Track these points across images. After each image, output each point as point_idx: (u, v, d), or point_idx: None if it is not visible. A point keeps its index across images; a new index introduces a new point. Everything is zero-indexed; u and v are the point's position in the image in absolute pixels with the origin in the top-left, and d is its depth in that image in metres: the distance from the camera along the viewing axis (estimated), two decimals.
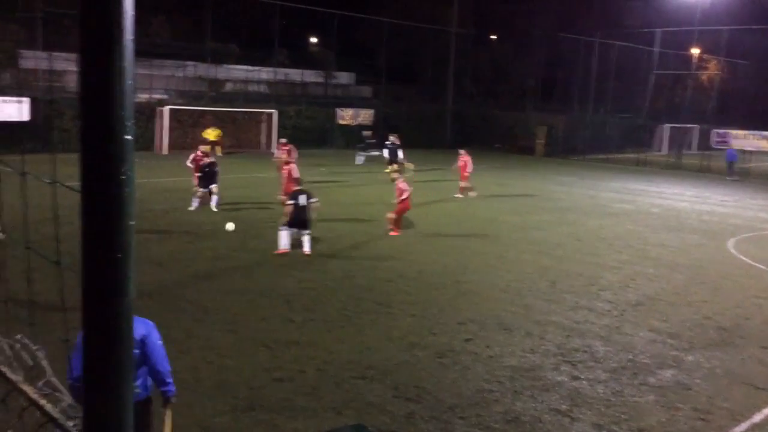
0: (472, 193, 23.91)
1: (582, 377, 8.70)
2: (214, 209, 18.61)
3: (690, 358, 9.57)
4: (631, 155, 44.56)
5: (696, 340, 10.33)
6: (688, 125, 51.46)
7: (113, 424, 1.55)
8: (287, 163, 19.56)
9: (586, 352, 9.61)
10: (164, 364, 5.14)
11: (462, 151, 24.77)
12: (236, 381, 8.03)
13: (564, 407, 7.81)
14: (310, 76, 47.74)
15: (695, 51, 57.59)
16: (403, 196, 17.00)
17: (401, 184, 17.24)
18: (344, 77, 50.01)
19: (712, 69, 63.08)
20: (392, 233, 16.84)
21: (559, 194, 26.55)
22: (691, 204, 25.76)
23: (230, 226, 15.85)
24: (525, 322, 10.71)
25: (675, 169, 40.75)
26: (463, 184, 24.15)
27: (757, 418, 7.77)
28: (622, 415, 7.68)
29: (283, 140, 26.18)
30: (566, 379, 8.61)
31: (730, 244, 18.06)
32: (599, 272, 14.19)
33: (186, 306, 10.70)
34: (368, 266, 13.83)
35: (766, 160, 44.43)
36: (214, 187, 18.86)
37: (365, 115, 43.25)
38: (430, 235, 17.36)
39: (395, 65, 49.42)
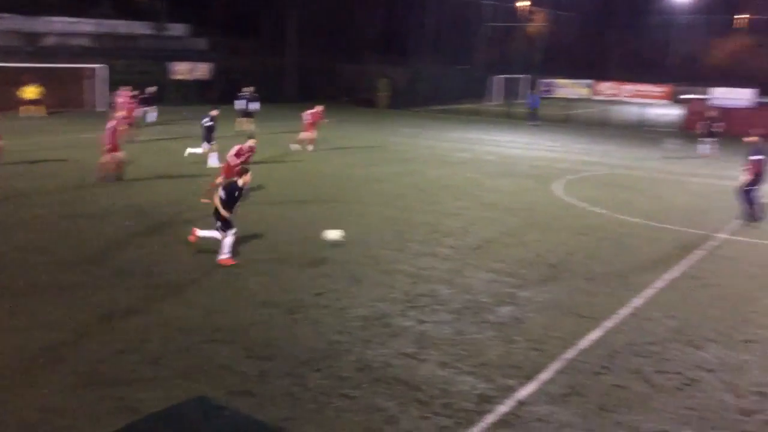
0: (309, 147, 23.97)
1: (428, 320, 9.08)
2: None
3: (524, 294, 10.27)
4: (469, 105, 46.41)
5: (529, 277, 11.09)
6: (519, 75, 54.24)
7: None
8: (125, 117, 18.14)
9: (431, 296, 10.01)
10: None
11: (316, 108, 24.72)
12: (74, 356, 7.57)
13: (412, 350, 8.12)
14: (140, 27, 44.74)
15: (524, 3, 60.49)
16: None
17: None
18: (178, 29, 47.32)
19: (539, 21, 66.71)
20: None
21: (402, 146, 27.15)
22: (523, 151, 27.36)
23: (334, 234, 12.00)
24: (373, 273, 10.95)
25: (507, 117, 42.96)
26: (310, 135, 24.09)
27: (584, 343, 8.52)
28: (465, 352, 8.12)
29: (127, 90, 24.89)
30: (413, 324, 8.94)
31: (558, 186, 19.44)
32: (441, 219, 14.76)
33: (12, 281, 9.86)
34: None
35: (588, 106, 48.02)
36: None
37: (202, 69, 41.47)
38: (278, 192, 17.14)
39: (233, 16, 47.53)
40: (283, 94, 45.98)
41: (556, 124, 39.44)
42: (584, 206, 16.77)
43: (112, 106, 23.71)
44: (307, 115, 24.19)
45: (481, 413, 6.77)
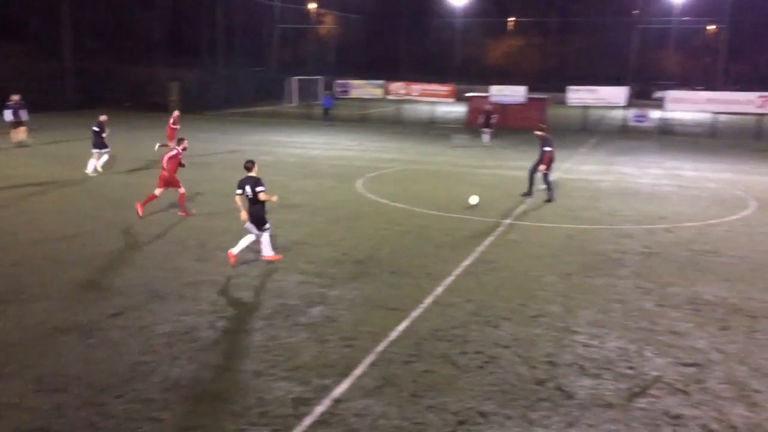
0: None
1: (239, 329, 8.85)
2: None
3: (334, 292, 10.38)
4: (267, 108, 46.10)
5: (338, 275, 11.23)
6: (314, 77, 54.86)
7: None
8: None
9: (240, 304, 9.78)
10: None
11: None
12: None
13: (223, 362, 7.86)
14: None
15: (312, 6, 61.26)
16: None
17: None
18: None
19: (329, 23, 68.00)
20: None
21: (199, 151, 26.22)
22: (323, 151, 27.72)
23: (474, 200, 16.74)
24: (176, 286, 10.46)
25: (305, 119, 43.32)
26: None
27: (393, 335, 8.80)
28: (279, 358, 8.03)
29: None
30: (223, 335, 8.66)
31: (359, 184, 19.95)
32: None
33: None
34: None
35: (382, 106, 49.83)
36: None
37: None
38: (56, 207, 15.77)
39: None
40: (62, 101, 42.44)
41: (353, 123, 40.46)
42: (385, 202, 17.36)
43: None
44: (170, 121, 24.38)
45: (299, 417, 6.72)
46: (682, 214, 16.74)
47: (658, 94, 49.60)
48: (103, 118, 20.33)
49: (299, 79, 54.13)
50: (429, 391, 7.33)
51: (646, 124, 39.80)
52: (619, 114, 41.05)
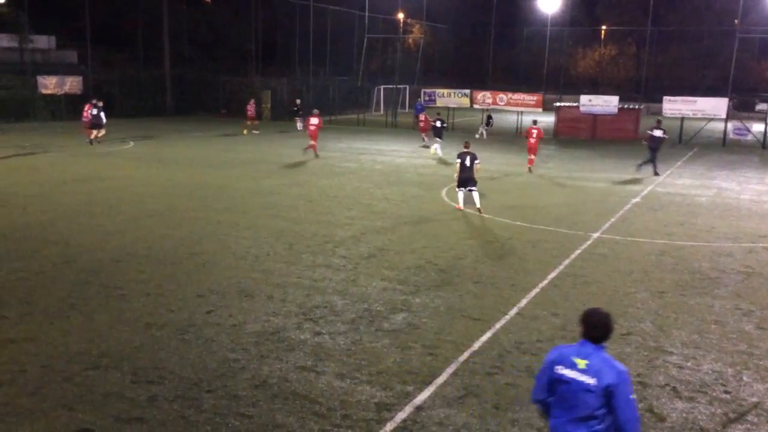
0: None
1: (324, 332, 9.00)
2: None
3: (417, 300, 10.40)
4: (353, 116, 46.74)
5: (421, 283, 11.25)
6: (400, 86, 55.20)
7: None
8: None
9: (325, 307, 9.94)
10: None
11: (315, 112, 28.36)
12: None
13: (309, 363, 8.02)
14: (1, 40, 41.96)
15: (400, 16, 61.72)
16: None
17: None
18: (43, 41, 44.74)
19: (417, 33, 68.30)
20: None
21: (288, 157, 26.94)
22: (408, 159, 27.85)
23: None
24: (266, 287, 10.75)
25: (392, 127, 43.64)
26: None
27: (476, 345, 8.73)
28: (362, 362, 8.11)
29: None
30: (309, 336, 8.84)
31: (444, 193, 19.91)
32: (333, 230, 14.73)
33: None
34: (90, 247, 12.74)
35: (468, 115, 49.61)
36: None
37: (72, 83, 39.39)
38: (157, 208, 16.52)
39: (102, 27, 45.53)
40: (162, 106, 44.47)
41: None
42: (470, 212, 17.26)
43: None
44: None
45: (381, 422, 6.77)
46: None
47: (761, 106, 47.17)
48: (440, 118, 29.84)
49: (386, 88, 54.59)
50: (512, 404, 7.22)
51: (747, 138, 37.91)
52: (718, 126, 39.29)
